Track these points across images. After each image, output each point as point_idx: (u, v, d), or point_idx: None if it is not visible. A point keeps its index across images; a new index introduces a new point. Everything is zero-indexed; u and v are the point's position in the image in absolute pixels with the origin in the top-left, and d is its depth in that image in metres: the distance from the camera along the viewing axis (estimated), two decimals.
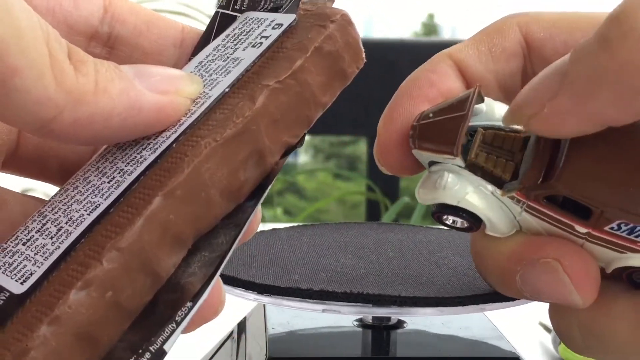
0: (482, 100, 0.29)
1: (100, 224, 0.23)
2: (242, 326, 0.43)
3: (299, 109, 0.25)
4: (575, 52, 0.25)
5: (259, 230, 0.42)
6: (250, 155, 0.24)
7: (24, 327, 0.22)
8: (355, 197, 2.26)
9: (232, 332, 0.43)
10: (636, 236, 0.26)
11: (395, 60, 1.19)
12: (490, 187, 0.28)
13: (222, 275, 0.30)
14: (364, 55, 0.27)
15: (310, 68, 0.25)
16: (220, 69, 0.26)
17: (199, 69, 0.27)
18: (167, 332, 0.23)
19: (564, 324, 0.29)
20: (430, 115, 0.29)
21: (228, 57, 0.26)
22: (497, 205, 0.28)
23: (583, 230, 0.27)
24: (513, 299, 0.31)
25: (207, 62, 0.27)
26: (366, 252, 0.38)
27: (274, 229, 0.43)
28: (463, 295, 0.32)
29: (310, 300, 0.32)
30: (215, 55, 0.27)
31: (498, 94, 0.32)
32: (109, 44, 0.28)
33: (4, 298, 0.23)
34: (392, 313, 0.33)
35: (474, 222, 0.29)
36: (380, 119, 0.31)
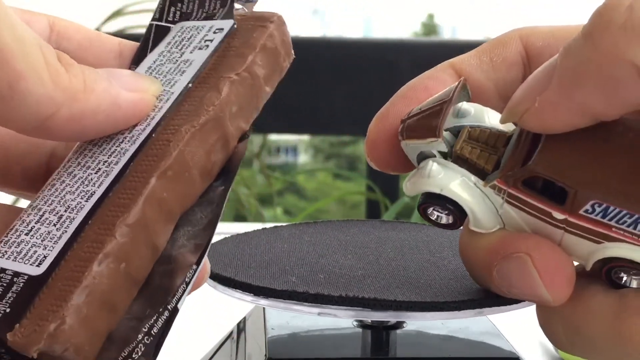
0: (468, 95, 0.31)
1: (102, 207, 0.26)
2: (241, 327, 0.42)
3: (252, 98, 0.29)
4: (564, 48, 0.26)
5: (260, 228, 0.42)
6: (218, 139, 0.28)
7: (55, 300, 0.24)
8: (355, 197, 2.26)
9: (231, 333, 0.43)
10: (609, 219, 0.27)
11: (395, 60, 1.19)
12: (473, 178, 0.29)
13: (219, 276, 0.34)
14: (292, 51, 0.31)
15: (258, 62, 0.29)
16: (174, 70, 0.30)
17: (151, 73, 0.30)
18: (180, 292, 0.27)
19: (548, 322, 0.29)
20: (419, 109, 0.31)
21: (177, 60, 0.30)
22: (480, 197, 0.29)
23: (561, 216, 0.28)
24: (510, 303, 0.31)
25: (157, 66, 0.30)
26: (366, 251, 0.38)
27: (275, 227, 0.42)
28: (460, 300, 0.32)
29: (306, 304, 0.32)
30: (162, 60, 0.30)
31: (498, 102, 0.33)
32: None
33: (23, 281, 0.25)
34: (389, 317, 0.33)
35: (458, 215, 0.30)
36: (374, 118, 0.33)
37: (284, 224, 0.43)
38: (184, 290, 0.27)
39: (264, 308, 0.40)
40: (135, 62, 0.31)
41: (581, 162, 0.27)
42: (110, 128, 0.28)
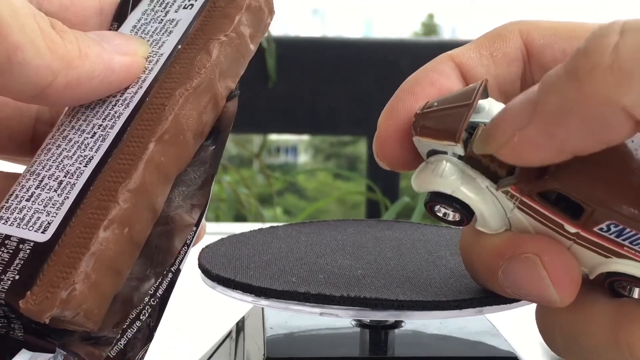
0: (487, 96, 0.30)
1: (102, 173, 0.27)
2: (240, 326, 0.43)
3: (239, 58, 0.30)
4: (545, 83, 0.25)
5: (257, 228, 0.42)
6: (209, 100, 0.29)
7: (63, 267, 0.25)
8: (355, 197, 2.26)
9: (230, 332, 0.43)
10: (624, 239, 0.26)
11: (395, 60, 1.19)
12: (486, 181, 0.29)
13: (219, 277, 0.34)
14: (274, 8, 0.31)
15: (244, 22, 0.30)
16: (160, 30, 0.30)
17: (136, 32, 0.30)
18: (182, 254, 0.28)
19: (547, 325, 0.29)
20: (435, 104, 0.30)
21: (163, 20, 0.30)
22: (491, 200, 0.29)
23: (572, 230, 0.27)
24: (511, 302, 0.31)
25: (141, 25, 0.30)
26: (364, 251, 0.38)
27: (272, 227, 0.42)
28: (461, 299, 0.32)
29: (308, 304, 0.32)
30: (147, 19, 0.31)
31: (498, 98, 0.32)
32: None
33: (29, 247, 0.26)
34: (390, 316, 0.33)
35: (466, 214, 0.29)
36: (381, 114, 0.32)
37: (280, 224, 0.43)
38: (185, 252, 0.28)
39: (262, 308, 0.40)
40: (117, 18, 0.31)
41: (600, 181, 0.26)
42: (105, 92, 0.28)
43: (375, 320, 0.37)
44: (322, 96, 1.24)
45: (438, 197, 0.29)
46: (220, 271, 0.34)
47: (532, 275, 0.28)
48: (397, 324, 0.37)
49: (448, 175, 0.29)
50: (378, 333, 0.37)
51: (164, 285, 0.27)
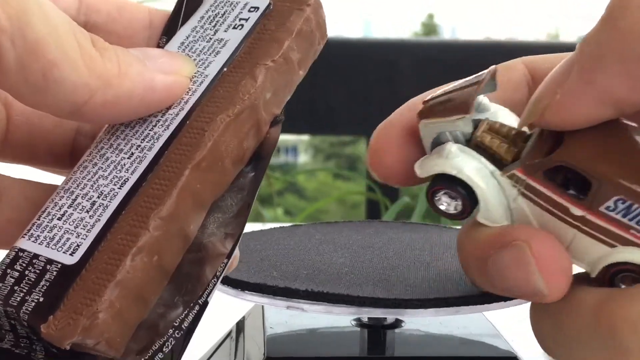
0: (495, 86, 0.30)
1: (136, 197, 0.26)
2: (240, 326, 0.43)
3: (286, 84, 0.29)
4: (582, 40, 0.25)
5: (278, 226, 0.42)
6: (252, 126, 0.28)
7: (88, 293, 0.24)
8: (355, 197, 2.26)
9: (230, 332, 0.43)
10: (630, 219, 0.26)
11: (395, 60, 1.19)
12: (491, 166, 0.28)
13: None
14: (327, 32, 0.30)
15: (294, 47, 0.29)
16: (208, 50, 0.29)
17: (184, 50, 0.29)
18: (210, 286, 0.27)
19: (539, 321, 0.29)
20: (443, 91, 0.30)
21: (211, 39, 0.29)
22: (495, 187, 0.28)
23: (578, 212, 0.27)
24: (511, 299, 0.31)
25: (189, 43, 0.30)
26: (368, 251, 0.38)
27: (294, 226, 0.43)
28: (424, 298, 0.32)
29: (276, 297, 0.32)
30: (195, 36, 0.30)
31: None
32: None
33: (56, 269, 0.25)
34: (350, 313, 0.34)
35: (468, 202, 0.29)
36: (378, 126, 0.32)
37: (302, 224, 0.43)
38: (214, 284, 0.27)
39: (262, 307, 0.40)
40: (166, 32, 0.30)
41: (608, 156, 0.26)
42: (144, 111, 0.27)
43: (374, 319, 0.37)
44: (322, 96, 1.24)
45: (442, 181, 0.29)
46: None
47: (519, 263, 0.27)
48: (397, 324, 0.37)
49: (454, 156, 0.29)
50: (378, 333, 0.37)
51: (190, 317, 0.27)
